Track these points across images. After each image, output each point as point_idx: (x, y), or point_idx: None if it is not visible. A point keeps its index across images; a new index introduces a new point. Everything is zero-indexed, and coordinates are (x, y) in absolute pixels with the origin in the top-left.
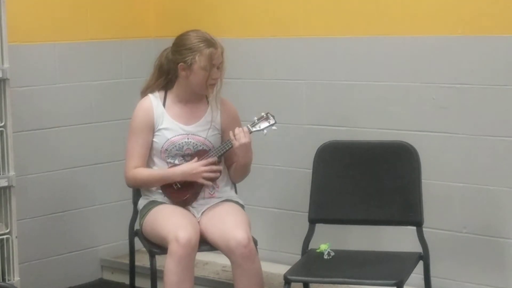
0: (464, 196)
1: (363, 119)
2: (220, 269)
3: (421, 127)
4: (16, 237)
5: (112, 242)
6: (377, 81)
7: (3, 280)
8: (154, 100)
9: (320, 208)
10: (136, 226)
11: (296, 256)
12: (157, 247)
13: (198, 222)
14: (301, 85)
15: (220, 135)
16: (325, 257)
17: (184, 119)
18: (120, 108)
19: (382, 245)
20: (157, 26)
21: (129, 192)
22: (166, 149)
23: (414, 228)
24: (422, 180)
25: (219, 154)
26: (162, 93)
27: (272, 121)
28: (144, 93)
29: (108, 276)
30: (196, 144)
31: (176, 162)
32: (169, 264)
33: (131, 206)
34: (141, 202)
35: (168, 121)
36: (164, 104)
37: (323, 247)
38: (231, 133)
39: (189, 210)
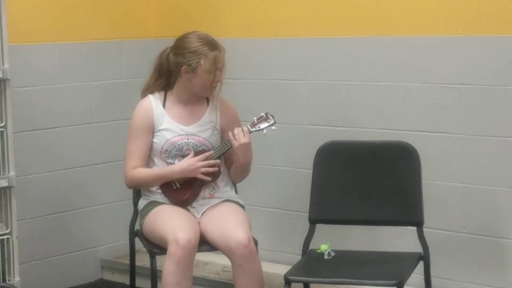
0: (464, 196)
1: (363, 119)
2: (220, 269)
3: (421, 127)
4: (17, 237)
5: (113, 242)
6: (378, 81)
7: (3, 280)
8: (154, 100)
9: (320, 208)
10: (136, 227)
11: (296, 256)
12: (157, 247)
13: (198, 222)
14: (302, 85)
15: (220, 135)
16: (326, 257)
17: (184, 119)
18: (120, 108)
19: (383, 245)
20: (157, 26)
21: (129, 193)
22: (166, 150)
23: (415, 228)
24: (422, 180)
25: (219, 154)
26: (162, 94)
27: (271, 121)
28: (145, 93)
29: (109, 276)
30: (196, 145)
31: (176, 162)
32: (168, 265)
33: (131, 207)
34: (141, 203)
35: (168, 121)
36: (164, 105)
37: (324, 247)
38: (230, 133)
39: (189, 211)
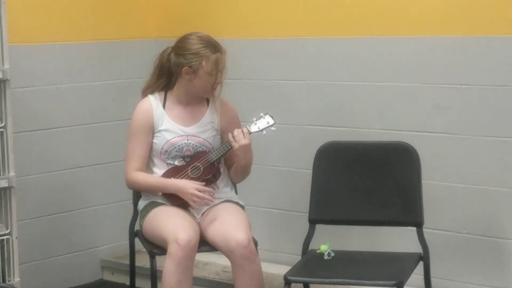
0: (464, 197)
1: (363, 119)
2: (220, 269)
3: (421, 128)
4: (16, 237)
5: (112, 243)
6: (377, 81)
7: (3, 281)
8: (154, 101)
9: (320, 208)
10: (136, 227)
11: (296, 257)
12: (157, 247)
13: (198, 223)
14: (301, 85)
15: (219, 136)
16: (325, 257)
17: (184, 120)
18: (120, 108)
19: (382, 245)
20: (157, 27)
21: (129, 193)
22: (166, 151)
23: (414, 228)
24: (422, 181)
25: (218, 155)
26: (162, 94)
27: (271, 122)
28: (145, 92)
29: (109, 276)
30: (196, 146)
31: (176, 163)
32: (168, 265)
33: (131, 207)
34: (141, 203)
35: (168, 122)
36: (164, 106)
37: (323, 247)
38: (230, 135)
39: (189, 211)
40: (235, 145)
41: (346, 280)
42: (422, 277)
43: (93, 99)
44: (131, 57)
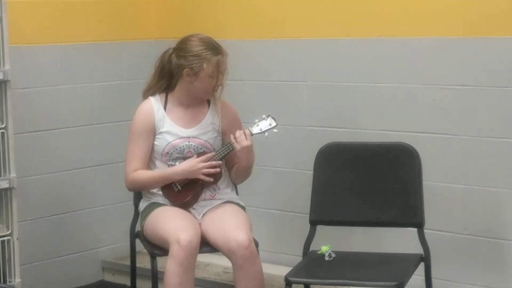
0: (465, 198)
1: (364, 120)
2: (221, 270)
3: (422, 129)
4: (17, 238)
5: (113, 244)
6: (378, 82)
7: (4, 282)
8: (155, 103)
9: (321, 209)
10: (137, 228)
11: (297, 258)
12: (158, 248)
13: (199, 224)
14: (302, 86)
15: (221, 137)
16: (326, 258)
17: (185, 122)
18: (121, 109)
19: (383, 246)
20: (158, 28)
21: (130, 194)
22: (167, 152)
23: (415, 229)
24: (423, 182)
25: (220, 156)
26: (163, 96)
27: (273, 124)
28: (146, 94)
29: (109, 277)
30: (197, 147)
31: (177, 164)
32: (170, 266)
33: (132, 208)
34: (142, 204)
35: (169, 124)
36: (165, 107)
37: (324, 248)
38: (232, 136)
39: (190, 212)
40: (237, 147)
41: (347, 281)
42: (423, 278)
43: (94, 100)
44: (132, 58)
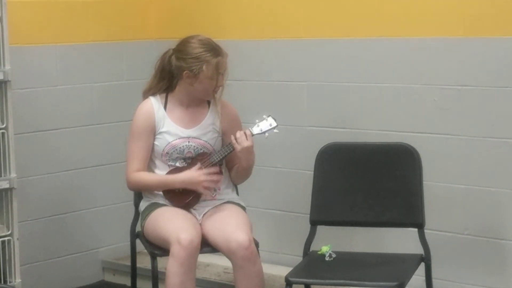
0: (465, 198)
1: (365, 120)
2: (221, 271)
3: (422, 129)
4: (18, 239)
5: (114, 244)
6: (379, 82)
7: (5, 282)
8: (155, 103)
9: (321, 210)
10: (138, 228)
11: (297, 258)
12: (159, 249)
13: (200, 224)
14: (303, 86)
15: (221, 138)
16: (327, 258)
17: (185, 122)
18: (121, 109)
19: (384, 247)
20: (158, 28)
21: (130, 194)
22: (167, 153)
23: (416, 230)
24: (424, 182)
25: (220, 157)
26: (163, 96)
27: (274, 124)
28: (147, 94)
29: (110, 278)
30: (197, 147)
31: (177, 164)
32: (171, 266)
33: (133, 208)
34: (143, 204)
35: (169, 124)
36: (165, 107)
37: (325, 248)
38: (232, 137)
39: (190, 212)
40: (237, 147)
41: (347, 281)
42: (424, 278)
43: (94, 100)
44: (132, 58)
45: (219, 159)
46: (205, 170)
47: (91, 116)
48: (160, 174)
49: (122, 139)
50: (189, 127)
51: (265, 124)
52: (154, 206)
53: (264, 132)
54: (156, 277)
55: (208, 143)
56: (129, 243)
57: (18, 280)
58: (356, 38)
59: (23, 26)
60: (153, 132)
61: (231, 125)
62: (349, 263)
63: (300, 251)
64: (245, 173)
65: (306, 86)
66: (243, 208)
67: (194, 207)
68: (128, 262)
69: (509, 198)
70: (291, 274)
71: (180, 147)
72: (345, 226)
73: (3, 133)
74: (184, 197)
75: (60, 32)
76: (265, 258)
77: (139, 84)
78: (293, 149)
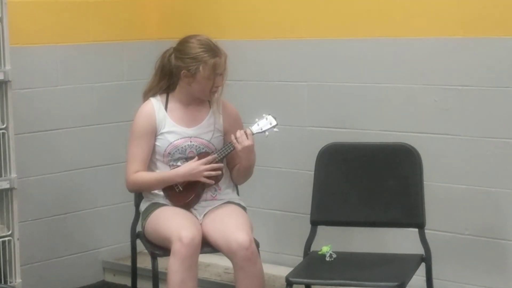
0: (466, 198)
1: (365, 121)
2: (222, 271)
3: (423, 129)
4: (18, 239)
5: (114, 244)
6: (379, 83)
7: (5, 282)
8: (156, 104)
9: (322, 210)
10: (138, 228)
11: (298, 258)
12: (159, 249)
13: (200, 224)
14: (303, 87)
15: (222, 137)
16: (327, 259)
17: (186, 122)
18: (122, 110)
19: (384, 247)
20: (158, 28)
21: (131, 194)
22: (169, 153)
23: (416, 230)
24: (424, 182)
25: (221, 156)
26: (164, 96)
27: (274, 123)
28: (147, 94)
29: (110, 278)
30: (199, 147)
31: (179, 164)
32: (172, 264)
33: (133, 208)
34: (143, 204)
35: (170, 124)
36: (166, 108)
37: (325, 249)
38: (233, 136)
39: (191, 212)
40: (238, 147)
41: (347, 281)
42: (424, 278)
43: (95, 101)
44: (133, 59)
45: (219, 158)
46: (204, 160)
47: (92, 116)
48: None
49: (123, 139)
50: (191, 126)
51: (265, 123)
52: (154, 206)
53: (264, 131)
54: (156, 277)
55: (211, 142)
56: (129, 243)
57: (19, 280)
58: (356, 38)
59: (23, 26)
60: (153, 134)
61: (232, 124)
62: (349, 263)
63: (300, 251)
64: (247, 172)
65: (306, 86)
66: (244, 208)
67: (195, 207)
68: (129, 262)
69: (510, 198)
70: (291, 274)
71: (182, 147)
72: (346, 226)
73: (3, 133)
74: (184, 197)
75: (60, 32)
76: (266, 258)
77: (140, 85)
78: (294, 149)
